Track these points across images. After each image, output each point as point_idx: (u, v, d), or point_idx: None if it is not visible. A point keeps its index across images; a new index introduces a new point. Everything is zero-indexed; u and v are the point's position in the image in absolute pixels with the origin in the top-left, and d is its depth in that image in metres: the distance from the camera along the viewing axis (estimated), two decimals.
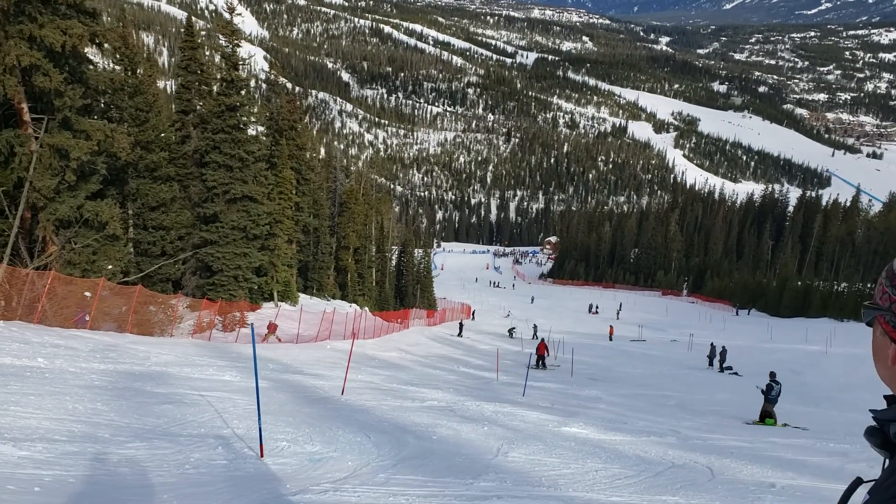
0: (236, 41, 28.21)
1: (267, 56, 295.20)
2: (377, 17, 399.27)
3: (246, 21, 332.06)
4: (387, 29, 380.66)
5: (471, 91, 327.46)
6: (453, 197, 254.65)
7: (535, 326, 47.53)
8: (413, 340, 34.67)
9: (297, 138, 36.19)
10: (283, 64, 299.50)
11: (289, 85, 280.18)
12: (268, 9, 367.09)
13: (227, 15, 28.91)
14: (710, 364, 30.35)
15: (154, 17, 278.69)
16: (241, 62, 28.79)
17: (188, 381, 11.24)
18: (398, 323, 42.29)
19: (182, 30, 28.32)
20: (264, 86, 41.52)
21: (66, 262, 19.39)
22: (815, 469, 9.14)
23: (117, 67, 24.72)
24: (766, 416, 14.88)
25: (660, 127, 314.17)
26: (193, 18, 32.45)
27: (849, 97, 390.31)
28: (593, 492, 6.88)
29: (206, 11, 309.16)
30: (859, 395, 20.94)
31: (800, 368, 28.66)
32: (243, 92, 29.63)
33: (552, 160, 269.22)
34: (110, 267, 21.00)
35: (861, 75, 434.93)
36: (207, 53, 30.18)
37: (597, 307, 72.26)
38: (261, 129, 40.83)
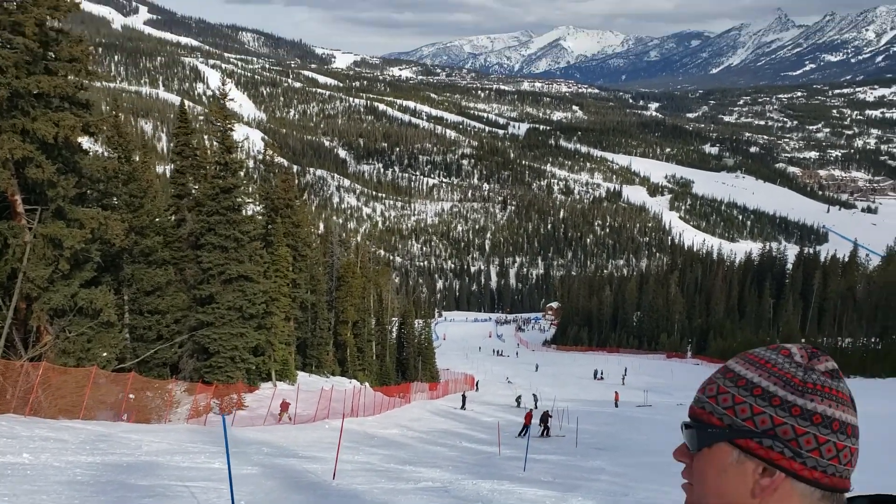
0: (229, 125, 28.77)
1: (265, 137, 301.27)
2: (371, 95, 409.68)
3: (243, 105, 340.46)
4: (381, 106, 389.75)
5: (465, 162, 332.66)
6: (453, 266, 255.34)
7: (534, 396, 46.66)
8: (415, 415, 34.10)
9: (293, 216, 36.54)
10: (281, 144, 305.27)
11: (286, 163, 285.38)
12: (264, 92, 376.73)
13: (221, 100, 29.61)
14: None
15: (152, 105, 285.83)
16: (235, 145, 29.31)
17: (176, 471, 10.96)
18: (399, 398, 41.68)
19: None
20: (263, 166, 42.41)
21: (60, 352, 19.24)
22: None
23: (112, 155, 25.12)
24: None
25: (654, 190, 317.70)
26: (189, 104, 33.31)
27: (839, 154, 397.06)
28: None
29: (203, 97, 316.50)
30: (869, 456, 20.47)
31: None
32: (241, 173, 30.12)
33: (549, 226, 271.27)
34: (105, 354, 20.84)
35: (850, 132, 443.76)
36: (206, 137, 30.70)
37: (602, 373, 71.45)
38: (257, 208, 41.29)
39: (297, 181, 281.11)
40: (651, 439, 26.63)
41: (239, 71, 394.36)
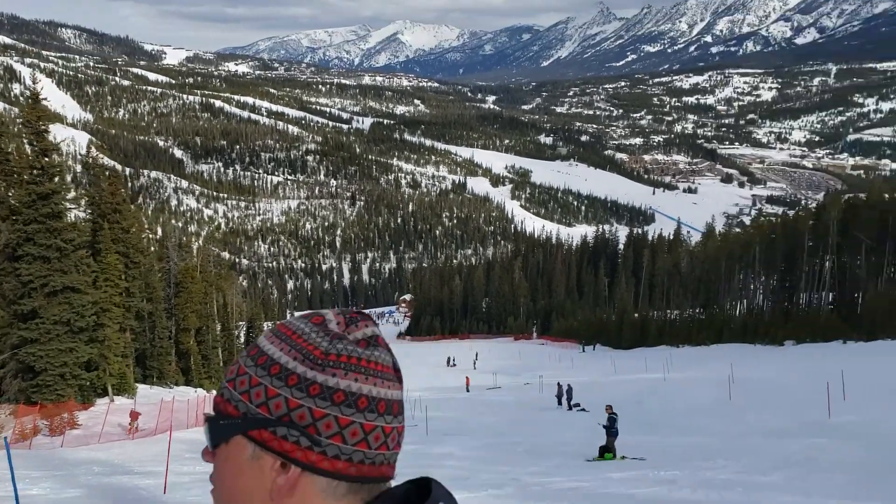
0: (43, 126, 26.66)
1: (92, 139, 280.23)
2: (207, 92, 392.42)
3: (66, 106, 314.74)
4: (218, 103, 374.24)
5: (310, 158, 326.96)
6: (303, 265, 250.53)
7: None
8: None
9: (122, 221, 34.45)
10: (111, 146, 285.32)
11: (118, 167, 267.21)
12: (90, 91, 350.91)
13: (32, 99, 27.35)
14: (559, 403, 31.50)
15: None
16: (51, 147, 27.21)
17: None
18: None
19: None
20: (87, 170, 39.48)
21: None
22: (643, 500, 9.71)
23: None
24: (605, 451, 15.62)
25: (496, 181, 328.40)
26: (4, 106, 30.46)
27: (661, 139, 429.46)
28: None
29: (20, 98, 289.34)
30: (697, 419, 22.46)
31: (642, 398, 30.23)
32: (61, 178, 28.03)
33: (399, 220, 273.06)
34: None
35: (669, 118, 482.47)
36: (26, 142, 28.16)
37: (454, 360, 73.12)
38: (83, 214, 38.56)
39: (129, 184, 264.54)
40: (499, 420, 27.77)
41: (60, 70, 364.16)
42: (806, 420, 18.58)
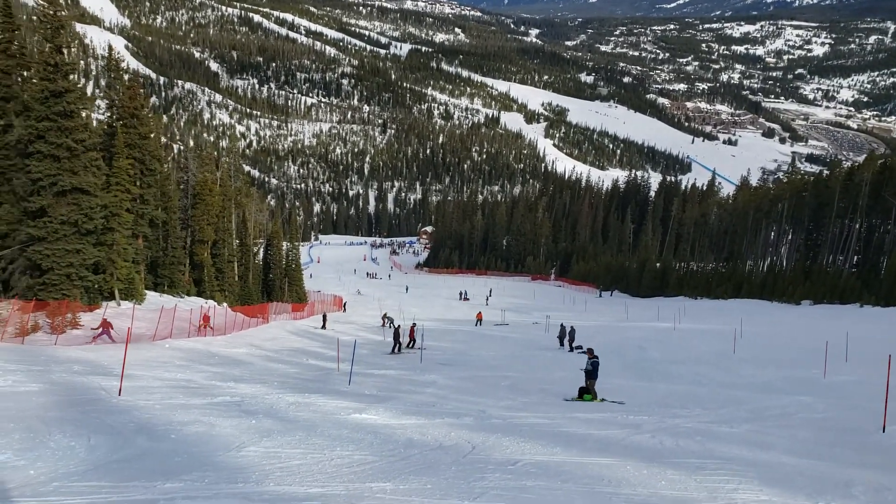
0: (58, 22, 26.18)
1: (129, 45, 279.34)
2: (246, 5, 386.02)
3: (105, 9, 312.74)
4: (256, 18, 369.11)
5: (345, 82, 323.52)
6: (330, 189, 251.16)
7: (385, 317, 46.54)
8: (271, 335, 33.75)
9: (139, 126, 34.17)
10: (147, 53, 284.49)
11: (152, 74, 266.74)
12: None
13: None
14: (561, 344, 31.35)
15: None
16: (66, 43, 26.79)
17: None
18: (259, 318, 41.09)
19: (37, 16, 26.11)
20: (126, 76, 38.97)
21: None
22: (593, 443, 9.48)
23: None
24: (585, 392, 15.39)
25: (531, 117, 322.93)
26: (34, 1, 29.92)
27: (706, 87, 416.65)
28: (301, 484, 6.84)
29: None
30: (694, 368, 22.13)
31: (647, 345, 29.99)
32: (72, 77, 27.66)
33: (428, 151, 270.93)
34: None
35: (716, 66, 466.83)
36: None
37: (467, 294, 73.34)
38: (101, 117, 38.45)
39: (163, 94, 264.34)
40: (496, 356, 27.68)
41: None
42: (799, 377, 18.23)
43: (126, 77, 38.64)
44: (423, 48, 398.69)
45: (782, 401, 14.44)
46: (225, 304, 42.41)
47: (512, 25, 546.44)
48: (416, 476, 7.29)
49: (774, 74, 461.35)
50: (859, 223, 50.90)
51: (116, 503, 5.79)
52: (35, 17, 26.32)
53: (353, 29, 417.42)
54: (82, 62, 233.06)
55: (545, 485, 7.09)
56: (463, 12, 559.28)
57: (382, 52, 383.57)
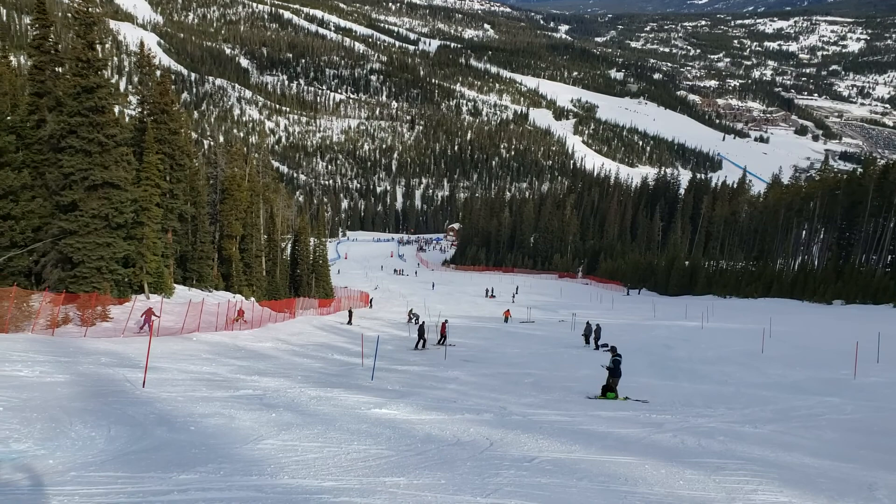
0: (90, 18, 26.59)
1: (161, 42, 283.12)
2: (276, 2, 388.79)
3: (138, 6, 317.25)
4: (286, 14, 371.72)
5: (374, 78, 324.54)
6: (358, 185, 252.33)
7: (411, 313, 46.67)
8: (296, 330, 33.99)
9: (169, 122, 34.64)
10: (179, 50, 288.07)
11: (184, 71, 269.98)
12: None
13: None
14: (587, 342, 31.15)
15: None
16: (98, 40, 27.20)
17: None
18: (286, 313, 41.44)
19: (70, 13, 26.55)
20: (158, 72, 39.45)
21: None
22: (613, 441, 9.38)
23: None
24: (608, 391, 15.26)
25: (560, 114, 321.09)
26: None
27: (737, 84, 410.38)
28: (316, 478, 6.87)
29: None
30: (721, 367, 21.82)
31: (673, 344, 29.67)
32: (104, 73, 28.06)
33: (456, 147, 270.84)
34: None
35: (748, 63, 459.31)
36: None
37: (493, 291, 73.20)
38: (133, 113, 38.95)
39: (194, 90, 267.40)
40: (520, 353, 27.59)
41: None
42: (829, 378, 17.87)
43: (158, 73, 39.13)
44: (452, 44, 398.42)
45: (809, 401, 14.18)
46: (252, 299, 42.83)
47: (541, 21, 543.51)
48: (431, 471, 7.29)
49: (808, 71, 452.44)
50: (894, 222, 49.83)
51: (132, 494, 5.87)
52: (69, 14, 26.72)
53: (381, 25, 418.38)
54: (115, 58, 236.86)
55: (560, 482, 7.04)
56: (492, 8, 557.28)
57: (411, 48, 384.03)
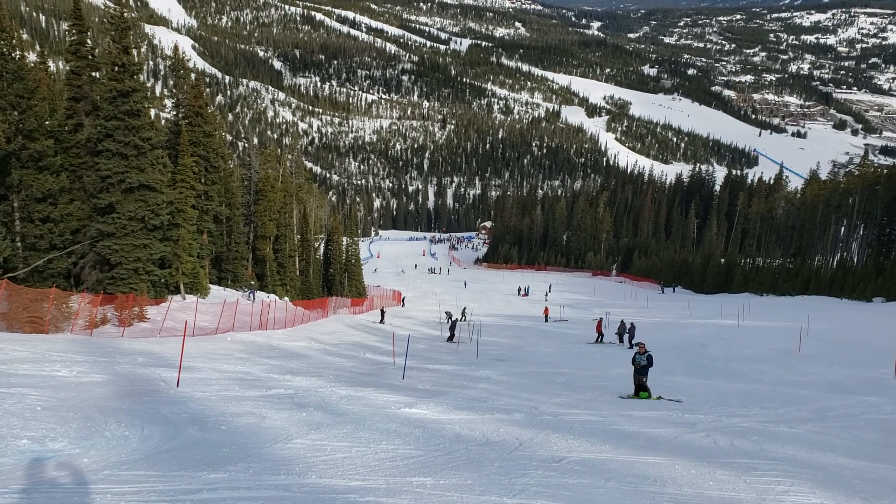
0: (125, 24, 27.09)
1: (195, 45, 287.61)
2: (308, 4, 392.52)
3: (172, 10, 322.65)
4: (318, 16, 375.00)
5: (405, 78, 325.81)
6: (391, 185, 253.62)
7: (447, 313, 46.55)
8: (330, 329, 34.25)
9: (203, 124, 35.15)
10: (213, 53, 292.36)
11: (218, 74, 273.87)
12: None
13: None
14: (620, 340, 30.90)
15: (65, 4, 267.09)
16: (132, 45, 27.70)
17: (7, 378, 10.61)
18: (319, 312, 41.77)
19: (106, 18, 27.06)
20: (193, 75, 40.12)
21: None
22: (644, 441, 9.27)
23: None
24: (641, 390, 15.09)
25: (592, 111, 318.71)
26: (104, 3, 31.20)
27: (774, 78, 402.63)
28: (343, 477, 6.89)
29: None
30: (756, 366, 21.47)
31: (708, 342, 29.24)
32: (139, 77, 28.56)
33: (488, 146, 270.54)
34: None
35: (785, 57, 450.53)
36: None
37: (526, 289, 72.96)
38: (168, 116, 39.66)
39: (228, 92, 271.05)
40: (553, 352, 27.45)
41: None
42: (868, 377, 17.45)
43: (192, 76, 39.72)
44: (483, 43, 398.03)
45: (848, 401, 13.85)
46: (286, 298, 43.27)
47: (573, 18, 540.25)
48: (458, 471, 7.28)
49: (846, 64, 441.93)
50: None
51: (162, 492, 5.97)
52: (105, 20, 27.27)
53: (413, 25, 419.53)
54: (150, 62, 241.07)
55: (588, 482, 6.98)
56: (523, 6, 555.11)
57: (442, 47, 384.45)
